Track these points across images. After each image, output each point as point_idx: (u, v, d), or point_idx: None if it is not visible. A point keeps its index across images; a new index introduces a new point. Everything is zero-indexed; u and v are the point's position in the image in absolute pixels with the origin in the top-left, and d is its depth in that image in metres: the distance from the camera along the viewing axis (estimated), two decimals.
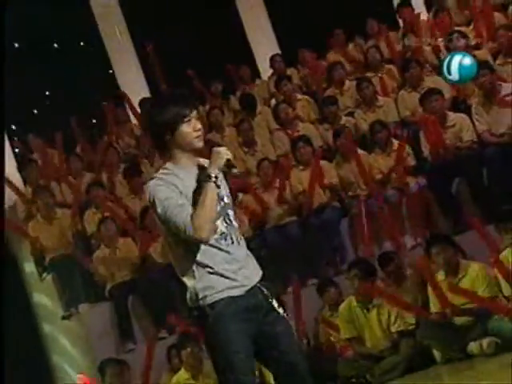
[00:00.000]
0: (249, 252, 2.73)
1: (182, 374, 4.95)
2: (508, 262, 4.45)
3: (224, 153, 2.64)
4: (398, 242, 5.31)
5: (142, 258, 6.02)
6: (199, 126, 2.67)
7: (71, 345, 6.32)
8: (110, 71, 8.54)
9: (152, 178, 2.67)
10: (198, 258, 2.63)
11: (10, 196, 6.89)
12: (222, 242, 2.65)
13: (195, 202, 2.61)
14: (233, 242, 2.66)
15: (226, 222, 2.66)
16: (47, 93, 9.01)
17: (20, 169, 7.25)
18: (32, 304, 6.88)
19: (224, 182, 2.72)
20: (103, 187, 6.54)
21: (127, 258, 6.02)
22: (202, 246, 2.62)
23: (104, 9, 8.37)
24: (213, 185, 2.60)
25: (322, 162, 5.99)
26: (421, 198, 5.46)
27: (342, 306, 4.93)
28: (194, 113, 2.67)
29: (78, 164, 7.00)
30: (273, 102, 7.52)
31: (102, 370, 5.11)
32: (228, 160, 2.63)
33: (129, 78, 8.41)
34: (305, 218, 5.80)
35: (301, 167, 5.98)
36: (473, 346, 4.47)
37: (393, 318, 4.78)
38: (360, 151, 5.88)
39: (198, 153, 2.71)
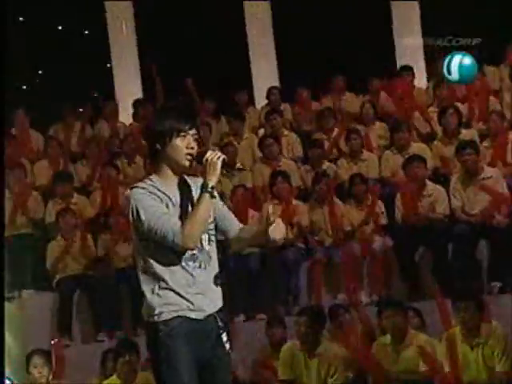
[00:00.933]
0: (216, 279, 2.69)
1: (114, 380, 4.86)
2: (455, 339, 4.50)
3: (216, 157, 2.58)
4: (352, 296, 5.34)
5: (97, 256, 5.96)
6: (193, 144, 2.63)
7: (6, 328, 6.16)
8: (108, 65, 8.50)
9: (134, 187, 2.63)
10: (163, 274, 2.61)
11: None
12: (190, 263, 2.63)
13: (182, 214, 2.58)
14: (199, 266, 2.64)
15: (197, 246, 2.63)
16: (40, 72, 8.92)
17: None
18: None
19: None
20: (71, 178, 6.48)
21: (83, 253, 5.95)
22: (169, 263, 2.61)
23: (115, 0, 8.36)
24: (207, 195, 2.56)
25: (296, 202, 6.04)
26: (384, 258, 5.52)
27: (285, 348, 4.92)
28: (193, 131, 2.63)
29: (56, 149, 6.93)
30: (261, 131, 7.58)
31: (29, 359, 5.00)
32: (224, 160, 2.58)
33: (125, 75, 8.38)
34: (267, 253, 5.81)
35: (275, 201, 6.01)
36: None
37: (332, 371, 4.78)
38: (335, 200, 5.94)
39: (183, 171, 2.66)
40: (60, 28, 8.94)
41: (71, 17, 8.61)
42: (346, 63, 7.83)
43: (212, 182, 2.57)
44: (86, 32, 9.06)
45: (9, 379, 4.77)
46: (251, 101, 8.16)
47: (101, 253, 5.97)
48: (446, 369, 4.51)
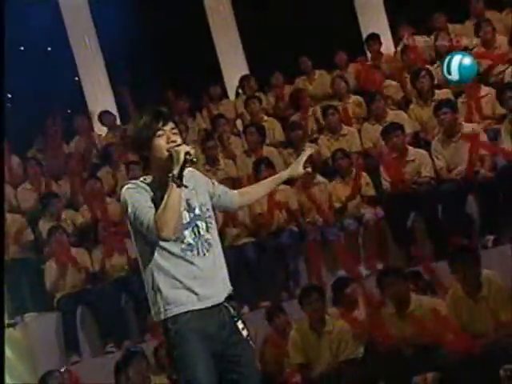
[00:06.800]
0: (221, 264, 2.72)
1: None
2: (458, 296, 4.53)
3: (182, 148, 2.62)
4: (352, 271, 5.36)
5: (94, 270, 5.96)
6: (174, 138, 2.66)
7: (14, 354, 6.16)
8: (76, 78, 8.46)
9: (124, 184, 2.70)
10: (165, 267, 2.64)
11: None
12: (188, 253, 2.66)
13: None
14: (198, 254, 2.66)
15: (195, 234, 2.66)
16: (9, 95, 8.85)
17: None
18: None
19: (203, 195, 2.73)
20: (58, 197, 6.48)
21: (79, 269, 5.94)
22: (169, 257, 2.63)
23: (74, 13, 8.30)
24: (174, 185, 2.60)
25: (283, 186, 6.04)
26: (377, 229, 5.54)
27: (294, 331, 4.93)
28: (169, 126, 2.67)
29: (36, 169, 6.90)
30: (238, 122, 7.57)
31: (43, 381, 4.99)
32: (186, 153, 2.61)
33: (95, 87, 8.34)
34: (261, 240, 5.82)
35: None
36: (417, 380, 4.52)
37: (343, 346, 4.81)
38: (320, 178, 5.95)
39: (170, 166, 2.64)
40: (22, 48, 8.87)
41: (30, 34, 8.54)
42: (312, 42, 7.81)
43: (176, 171, 2.59)
44: (50, 48, 9.00)
45: None
46: (224, 94, 8.14)
47: (95, 267, 5.96)
48: (454, 326, 4.54)
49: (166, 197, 2.59)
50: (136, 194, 2.65)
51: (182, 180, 2.59)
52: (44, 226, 6.31)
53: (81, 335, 5.75)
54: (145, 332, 5.60)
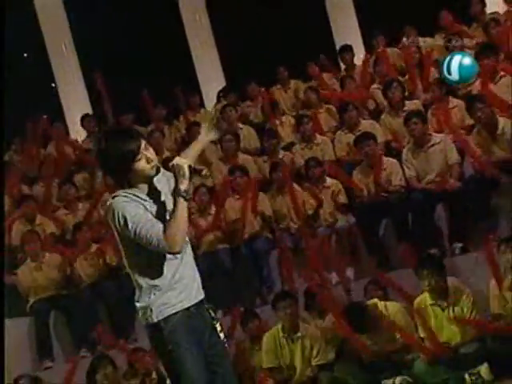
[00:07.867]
0: (193, 262, 2.81)
1: None
2: (423, 306, 4.64)
3: (184, 162, 2.67)
4: (323, 277, 5.45)
5: (68, 275, 5.97)
6: (150, 155, 2.71)
7: None
8: (53, 85, 8.46)
9: (115, 196, 2.70)
10: (160, 273, 2.69)
11: None
12: (178, 255, 2.71)
13: (159, 218, 2.67)
14: (184, 253, 2.75)
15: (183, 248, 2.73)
16: None
17: None
18: None
19: (170, 198, 2.75)
20: (34, 200, 6.48)
21: (52, 274, 5.95)
22: (163, 263, 2.69)
23: (51, 20, 8.31)
24: (182, 199, 2.64)
25: (257, 193, 6.12)
26: (349, 236, 5.64)
27: (267, 336, 5.00)
28: (143, 145, 2.70)
29: (11, 174, 6.89)
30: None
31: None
32: (190, 166, 2.66)
33: (71, 93, 8.36)
34: (236, 247, 5.89)
35: (236, 196, 6.09)
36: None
37: (315, 351, 4.89)
38: (294, 186, 6.04)
39: (152, 177, 2.73)
40: None
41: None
42: (288, 53, 7.92)
43: (184, 186, 2.65)
44: (26, 55, 8.98)
45: None
46: (201, 103, 8.22)
47: (68, 271, 5.98)
48: (422, 334, 4.65)
49: (174, 213, 2.62)
50: (131, 208, 2.64)
51: (188, 194, 2.64)
52: (18, 229, 6.30)
53: (54, 340, 5.75)
54: (118, 337, 5.62)
